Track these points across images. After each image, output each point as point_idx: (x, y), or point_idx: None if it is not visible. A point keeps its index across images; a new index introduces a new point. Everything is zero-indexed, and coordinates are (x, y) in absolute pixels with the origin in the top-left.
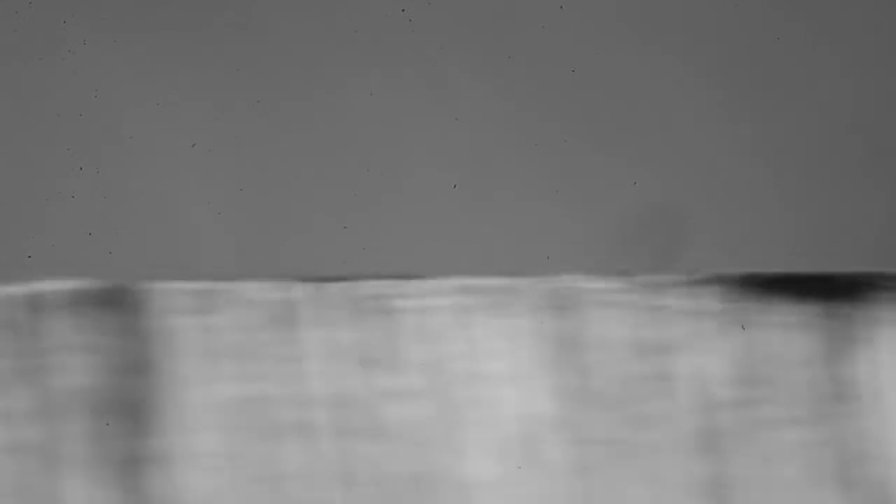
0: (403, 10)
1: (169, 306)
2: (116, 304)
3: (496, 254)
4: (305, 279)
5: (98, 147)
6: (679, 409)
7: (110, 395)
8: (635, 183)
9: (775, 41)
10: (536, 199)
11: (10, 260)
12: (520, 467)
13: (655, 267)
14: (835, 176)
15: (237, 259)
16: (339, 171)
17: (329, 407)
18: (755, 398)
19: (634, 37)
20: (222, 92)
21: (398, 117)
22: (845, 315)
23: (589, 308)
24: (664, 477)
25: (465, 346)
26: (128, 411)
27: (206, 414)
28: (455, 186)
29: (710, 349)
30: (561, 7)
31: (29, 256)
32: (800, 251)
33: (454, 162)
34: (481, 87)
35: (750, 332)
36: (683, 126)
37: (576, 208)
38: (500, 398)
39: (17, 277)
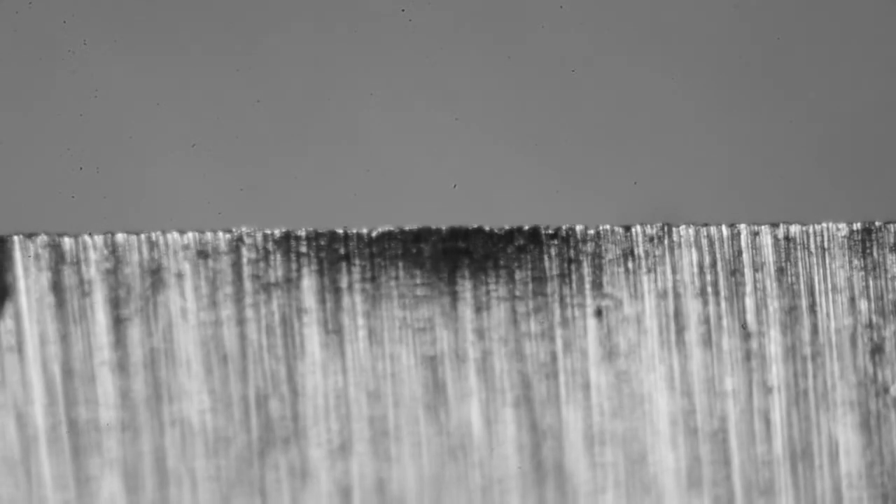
0: (403, 10)
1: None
2: None
3: None
4: None
5: (98, 147)
6: None
7: None
8: (635, 183)
9: (776, 41)
10: (536, 199)
11: None
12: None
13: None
14: (835, 175)
15: None
16: (339, 171)
17: None
18: None
19: (635, 37)
20: (222, 92)
21: (398, 117)
22: None
23: None
24: None
25: None
26: None
27: None
28: (455, 186)
29: None
30: (561, 7)
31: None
32: None
33: (454, 162)
34: (481, 87)
35: None
36: (684, 126)
37: (575, 208)
38: None
39: None
